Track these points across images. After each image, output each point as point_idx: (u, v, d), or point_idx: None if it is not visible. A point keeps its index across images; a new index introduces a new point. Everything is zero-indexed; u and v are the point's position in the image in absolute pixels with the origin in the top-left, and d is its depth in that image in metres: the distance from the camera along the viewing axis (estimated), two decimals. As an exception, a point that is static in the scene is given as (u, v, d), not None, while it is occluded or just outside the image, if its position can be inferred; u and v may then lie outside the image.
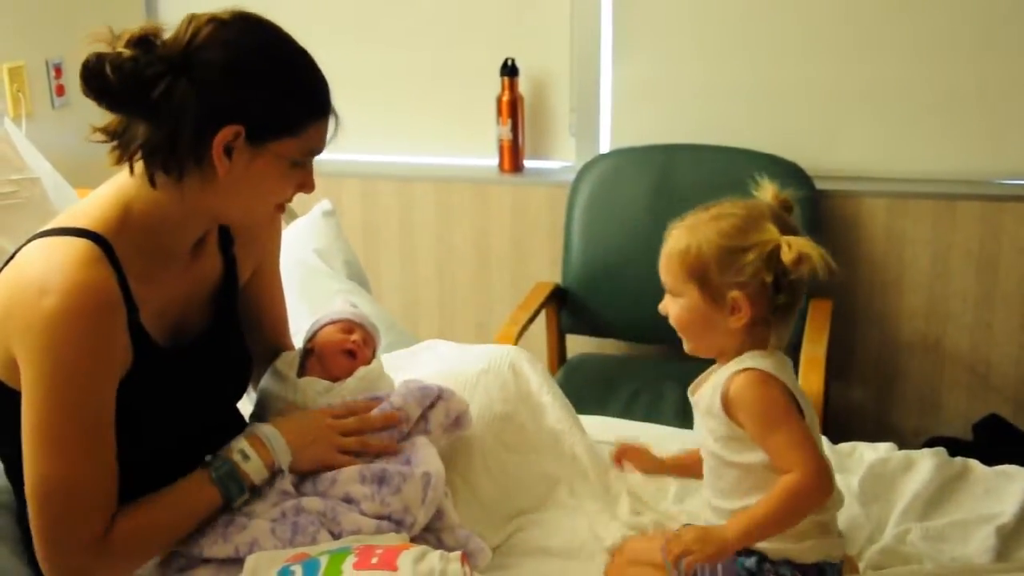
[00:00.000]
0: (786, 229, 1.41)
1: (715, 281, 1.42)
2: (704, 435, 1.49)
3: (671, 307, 1.48)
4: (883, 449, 1.86)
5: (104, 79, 1.30)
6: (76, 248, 1.33)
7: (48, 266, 1.31)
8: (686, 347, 1.51)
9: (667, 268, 1.47)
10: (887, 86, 2.81)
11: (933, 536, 1.62)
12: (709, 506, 1.50)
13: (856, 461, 1.84)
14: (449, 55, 3.11)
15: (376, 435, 1.55)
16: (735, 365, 1.44)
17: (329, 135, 1.44)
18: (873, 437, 1.99)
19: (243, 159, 1.36)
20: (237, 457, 1.46)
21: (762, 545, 1.42)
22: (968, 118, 2.78)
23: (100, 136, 1.38)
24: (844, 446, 1.90)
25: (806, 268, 1.37)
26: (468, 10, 3.07)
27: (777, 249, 1.37)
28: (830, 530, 1.46)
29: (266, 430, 1.49)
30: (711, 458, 1.48)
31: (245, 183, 1.38)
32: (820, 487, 1.39)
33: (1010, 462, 1.83)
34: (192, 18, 1.36)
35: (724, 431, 1.44)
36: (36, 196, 1.99)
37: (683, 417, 2.57)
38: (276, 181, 1.41)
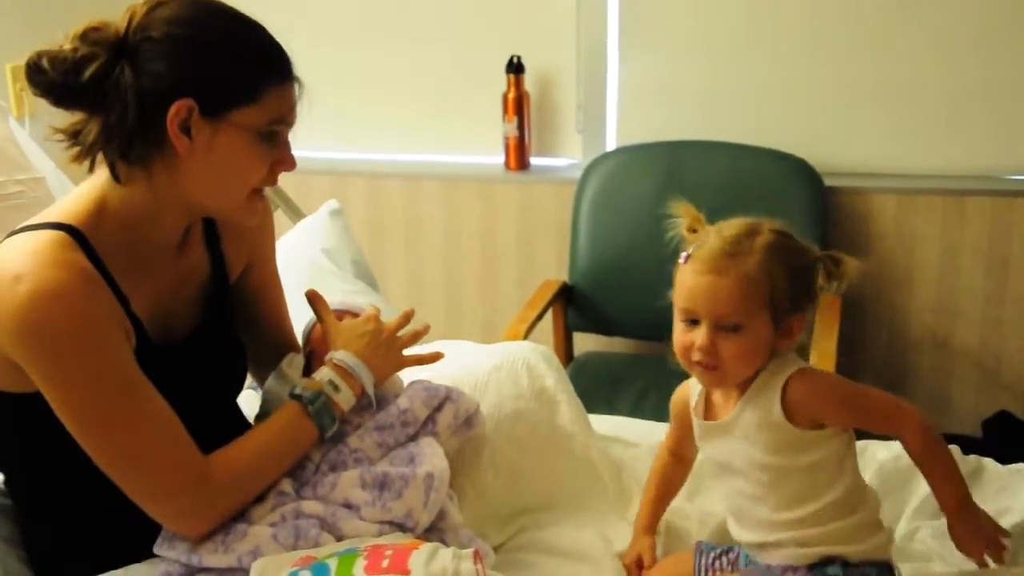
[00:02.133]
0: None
1: (784, 305, 1.36)
2: (750, 457, 1.42)
3: (726, 344, 1.36)
4: (896, 447, 1.85)
5: (43, 73, 1.29)
6: (44, 237, 1.32)
7: (16, 257, 1.30)
8: (714, 381, 1.42)
9: (728, 300, 1.35)
10: (896, 82, 2.80)
11: (944, 534, 1.60)
12: (761, 526, 1.43)
13: (869, 459, 1.82)
14: (455, 53, 3.10)
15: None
16: (775, 375, 1.39)
17: (297, 107, 1.40)
18: (882, 436, 1.97)
19: (203, 136, 1.33)
20: (328, 389, 1.46)
21: (841, 550, 1.39)
22: (977, 114, 2.77)
23: (59, 136, 1.36)
24: (856, 444, 1.87)
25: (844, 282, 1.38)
26: (474, 7, 3.06)
27: (830, 262, 1.38)
28: (883, 525, 1.45)
29: (347, 358, 1.49)
30: (768, 473, 1.41)
31: (211, 161, 1.35)
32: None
33: (1022, 459, 1.81)
34: (133, 6, 1.34)
35: (785, 438, 1.39)
36: (42, 195, 1.98)
37: (692, 414, 2.56)
38: (245, 157, 1.37)
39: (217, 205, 1.44)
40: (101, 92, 1.30)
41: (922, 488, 1.70)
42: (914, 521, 1.64)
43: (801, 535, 1.40)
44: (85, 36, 1.31)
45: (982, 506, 1.66)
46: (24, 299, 1.26)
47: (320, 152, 3.08)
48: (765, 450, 1.41)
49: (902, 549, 1.57)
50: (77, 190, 1.43)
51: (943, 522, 1.61)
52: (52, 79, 1.29)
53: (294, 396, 1.46)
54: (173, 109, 1.30)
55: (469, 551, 1.33)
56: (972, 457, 1.81)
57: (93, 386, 1.29)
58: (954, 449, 1.80)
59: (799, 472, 1.40)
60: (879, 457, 1.81)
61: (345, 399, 1.48)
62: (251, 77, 1.35)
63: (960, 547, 1.42)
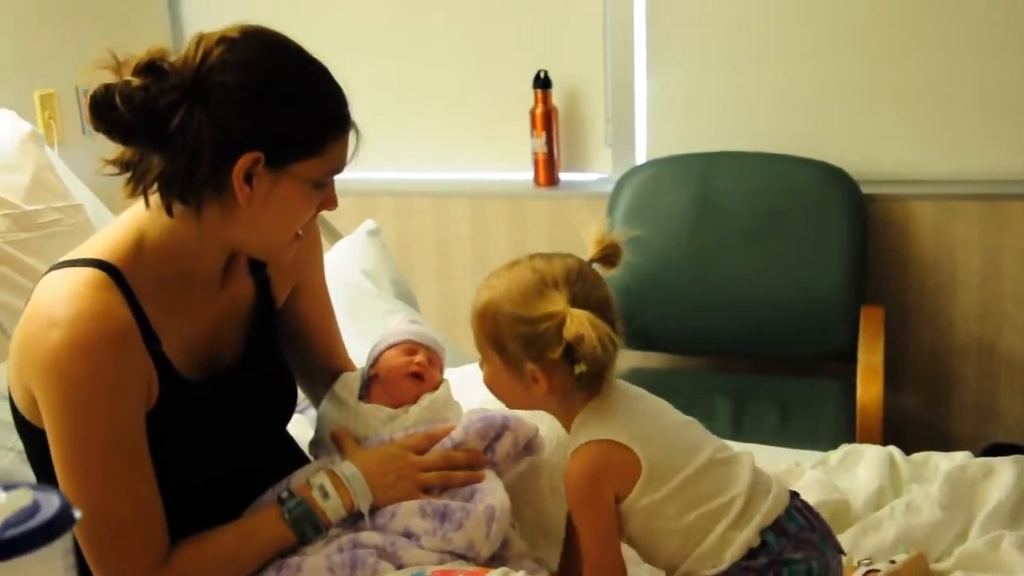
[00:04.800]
0: (580, 295, 1.32)
1: (512, 351, 1.34)
2: None
3: (483, 369, 1.41)
4: (959, 457, 1.81)
5: (114, 112, 1.23)
6: (83, 277, 1.28)
7: (55, 298, 1.27)
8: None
9: (473, 329, 1.39)
10: (930, 86, 2.76)
11: (1026, 545, 1.56)
12: None
13: (932, 470, 1.79)
14: (481, 69, 3.08)
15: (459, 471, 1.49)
16: (573, 440, 1.37)
17: (351, 150, 1.37)
18: (929, 446, 1.93)
19: (264, 185, 1.29)
20: (316, 494, 1.40)
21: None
22: (1015, 116, 2.72)
23: (112, 169, 1.31)
24: (917, 456, 1.84)
25: (585, 347, 1.26)
26: (499, 23, 3.04)
27: (564, 322, 1.28)
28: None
29: (347, 470, 1.42)
30: None
31: (267, 210, 1.31)
32: None
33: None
34: (201, 38, 1.29)
35: None
36: (81, 223, 1.96)
37: (736, 430, 2.52)
38: (299, 205, 1.34)
39: (261, 247, 1.41)
40: (170, 133, 1.25)
41: (992, 497, 1.67)
42: (990, 529, 1.59)
43: None
44: (153, 71, 1.26)
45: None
46: (54, 347, 1.24)
47: (347, 172, 3.04)
48: None
49: (983, 557, 1.54)
50: (117, 221, 1.39)
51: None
52: (122, 117, 1.24)
53: (278, 499, 1.41)
54: (240, 162, 1.27)
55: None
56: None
57: (89, 445, 1.27)
58: (1022, 459, 1.76)
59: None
60: (942, 468, 1.77)
61: (333, 508, 1.40)
62: (317, 131, 1.32)
63: None
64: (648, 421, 1.39)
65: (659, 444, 1.35)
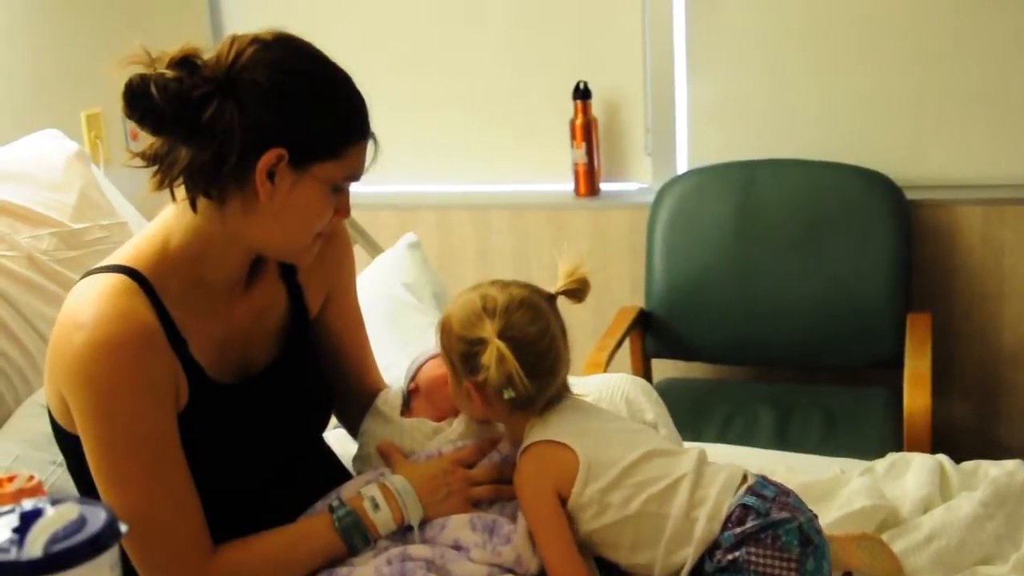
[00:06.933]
0: (510, 326, 1.38)
1: (456, 366, 1.44)
2: None
3: None
4: (1010, 466, 1.78)
5: (149, 100, 1.27)
6: (108, 283, 1.32)
7: (80, 303, 1.31)
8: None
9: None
10: (975, 87, 2.73)
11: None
12: None
13: (982, 479, 1.76)
14: (520, 80, 3.09)
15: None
16: (524, 441, 1.43)
17: (368, 159, 1.40)
18: (979, 455, 1.90)
19: (285, 184, 1.32)
20: (367, 504, 1.41)
21: None
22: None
23: (139, 161, 1.35)
24: (967, 465, 1.81)
25: (491, 378, 1.36)
26: (539, 34, 3.04)
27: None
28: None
29: (398, 483, 1.43)
30: None
31: (286, 209, 1.34)
32: None
33: None
34: (234, 39, 1.33)
35: None
36: (126, 240, 1.98)
37: (781, 439, 2.50)
38: (316, 206, 1.37)
39: (281, 247, 1.43)
40: (201, 124, 1.28)
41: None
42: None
43: None
44: (186, 65, 1.29)
45: None
46: (79, 350, 1.27)
47: (387, 186, 3.07)
48: None
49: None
50: (144, 230, 1.43)
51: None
52: (156, 106, 1.27)
53: (329, 507, 1.42)
54: (266, 156, 1.30)
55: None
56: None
57: (121, 447, 1.29)
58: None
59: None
60: (992, 474, 1.74)
61: (383, 521, 1.41)
62: (340, 135, 1.36)
63: None
64: (585, 423, 1.45)
65: (594, 439, 1.41)
